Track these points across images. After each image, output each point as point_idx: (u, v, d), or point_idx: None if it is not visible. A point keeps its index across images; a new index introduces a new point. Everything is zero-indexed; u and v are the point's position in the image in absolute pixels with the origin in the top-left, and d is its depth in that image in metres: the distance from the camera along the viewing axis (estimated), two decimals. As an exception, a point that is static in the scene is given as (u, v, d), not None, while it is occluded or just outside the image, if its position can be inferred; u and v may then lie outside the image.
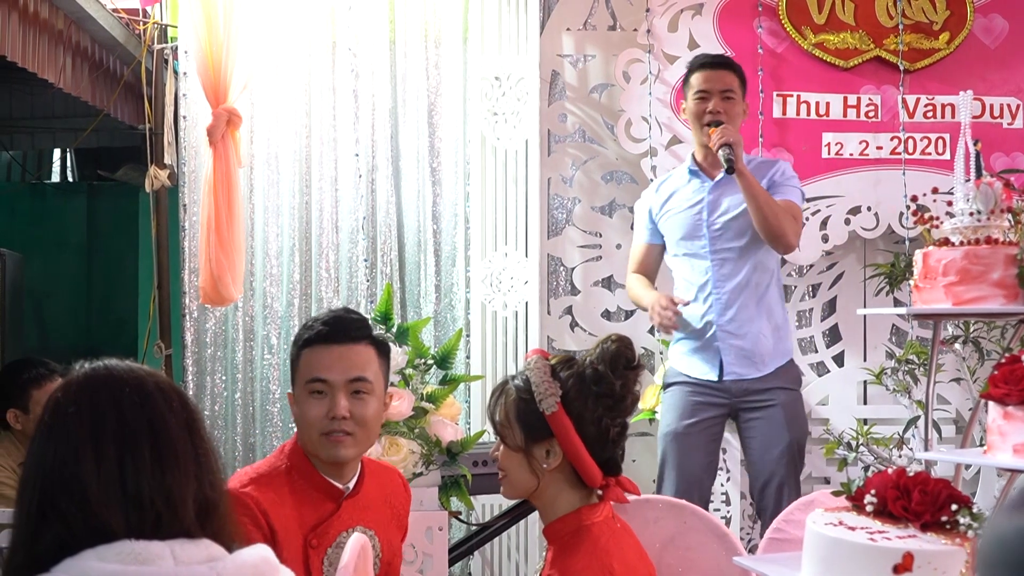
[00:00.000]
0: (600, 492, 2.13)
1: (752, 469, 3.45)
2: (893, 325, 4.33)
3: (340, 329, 2.29)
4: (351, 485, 2.30)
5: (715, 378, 3.40)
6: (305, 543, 2.21)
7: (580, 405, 2.08)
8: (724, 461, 3.94)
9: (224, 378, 4.27)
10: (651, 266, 3.61)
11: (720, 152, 3.26)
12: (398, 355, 3.23)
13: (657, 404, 3.79)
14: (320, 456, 2.27)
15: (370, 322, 2.40)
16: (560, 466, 2.09)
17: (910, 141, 4.20)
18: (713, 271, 3.42)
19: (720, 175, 3.41)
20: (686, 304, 3.37)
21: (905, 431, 3.89)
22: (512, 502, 3.48)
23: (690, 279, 3.47)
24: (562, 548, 2.08)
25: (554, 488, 2.11)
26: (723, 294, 3.40)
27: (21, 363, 3.83)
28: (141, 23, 4.22)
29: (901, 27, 4.19)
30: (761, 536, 3.07)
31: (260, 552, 1.43)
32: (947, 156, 4.13)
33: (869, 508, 1.87)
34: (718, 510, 4.10)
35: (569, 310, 4.30)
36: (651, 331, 4.10)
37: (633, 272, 3.61)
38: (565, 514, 2.10)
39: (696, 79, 3.46)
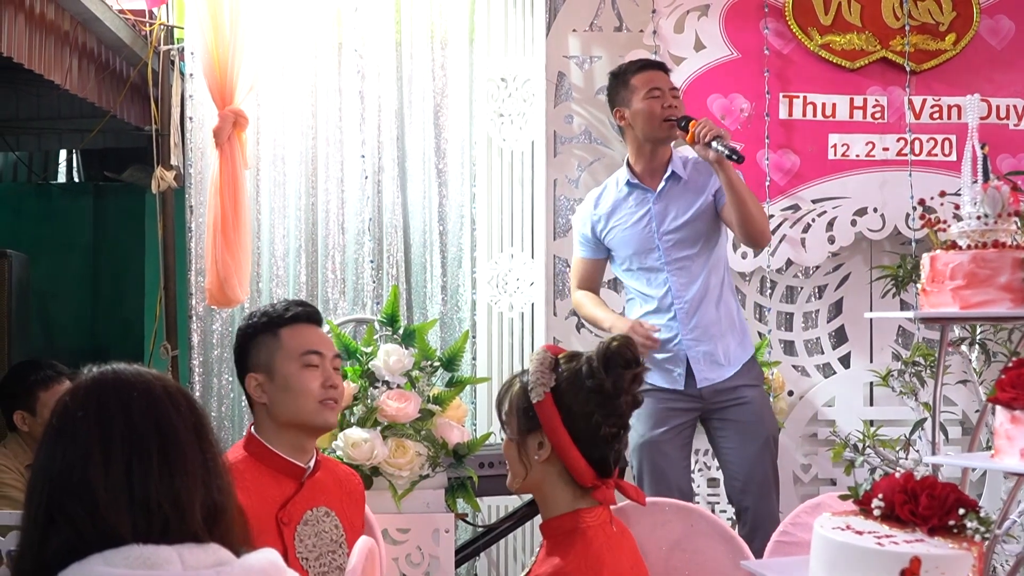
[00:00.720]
0: (600, 494, 2.13)
1: (730, 469, 3.38)
2: (899, 327, 4.33)
3: (316, 312, 2.52)
4: (311, 465, 2.43)
5: (682, 386, 3.36)
6: (277, 521, 2.33)
7: (571, 398, 2.06)
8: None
9: (230, 379, 4.27)
10: (596, 281, 3.59)
11: (715, 144, 3.12)
12: (404, 357, 3.24)
13: None
14: (316, 424, 2.41)
15: None
16: (551, 460, 2.07)
17: (916, 142, 4.19)
18: (672, 281, 3.37)
19: (662, 184, 3.37)
20: (657, 331, 3.31)
21: (912, 433, 3.88)
22: (518, 504, 3.49)
23: (648, 292, 3.41)
24: (555, 546, 2.08)
25: (548, 483, 2.10)
26: (685, 303, 3.36)
27: (28, 365, 3.81)
28: (147, 24, 4.22)
29: (907, 28, 4.19)
30: (744, 539, 3.05)
31: (268, 556, 1.43)
32: (953, 157, 4.13)
33: (876, 512, 1.86)
34: (724, 511, 4.10)
35: (575, 312, 4.30)
36: None
37: (579, 288, 3.56)
38: (562, 513, 2.10)
39: (641, 79, 3.37)
